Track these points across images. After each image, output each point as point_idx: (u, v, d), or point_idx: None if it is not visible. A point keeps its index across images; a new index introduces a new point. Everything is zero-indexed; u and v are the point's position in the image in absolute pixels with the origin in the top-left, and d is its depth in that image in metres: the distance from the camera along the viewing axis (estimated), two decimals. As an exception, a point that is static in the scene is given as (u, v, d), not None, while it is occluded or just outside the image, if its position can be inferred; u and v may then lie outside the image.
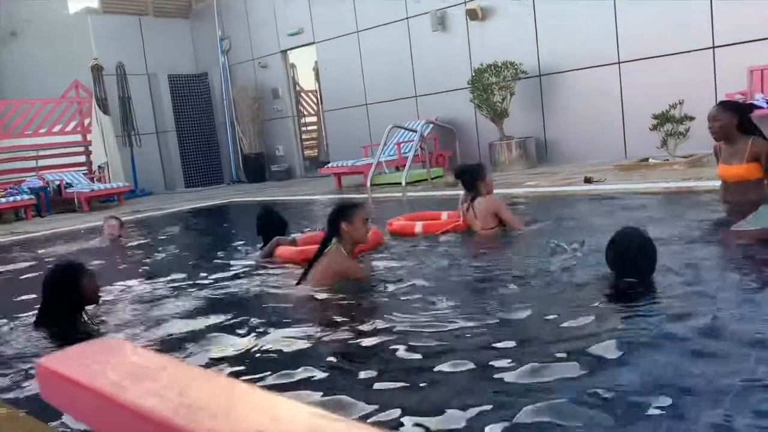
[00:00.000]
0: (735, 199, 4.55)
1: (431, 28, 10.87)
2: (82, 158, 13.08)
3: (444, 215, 5.42)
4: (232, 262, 4.80)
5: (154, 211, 9.75)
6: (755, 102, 7.75)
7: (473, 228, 4.81)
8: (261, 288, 3.91)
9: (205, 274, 4.42)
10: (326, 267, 3.60)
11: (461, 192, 5.02)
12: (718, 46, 8.33)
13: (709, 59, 8.41)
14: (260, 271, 4.36)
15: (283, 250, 4.59)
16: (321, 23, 12.79)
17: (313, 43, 13.09)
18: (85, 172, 12.74)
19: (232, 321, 3.16)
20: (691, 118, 7.48)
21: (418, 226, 5.11)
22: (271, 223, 4.87)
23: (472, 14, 10.28)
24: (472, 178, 4.86)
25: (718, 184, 5.71)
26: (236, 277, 4.29)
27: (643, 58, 8.91)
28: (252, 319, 3.14)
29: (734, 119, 4.46)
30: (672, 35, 8.59)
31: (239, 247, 5.42)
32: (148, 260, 5.58)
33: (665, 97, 7.81)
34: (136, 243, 6.74)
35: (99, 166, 12.66)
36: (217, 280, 4.21)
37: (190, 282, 4.24)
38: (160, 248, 6.25)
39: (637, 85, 9.00)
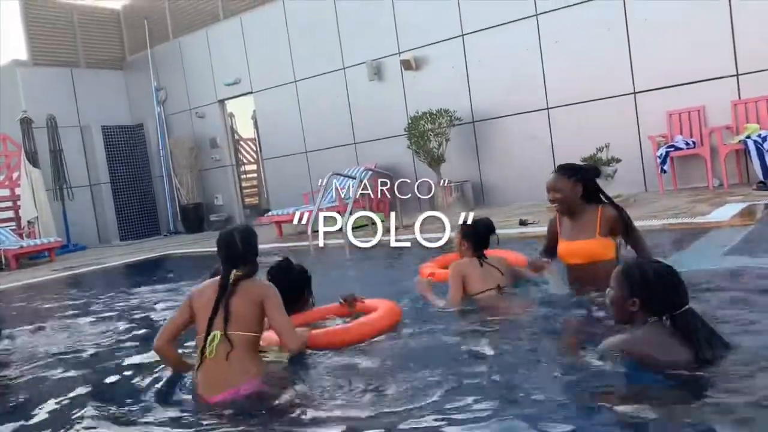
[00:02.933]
0: (582, 286, 3.64)
1: (367, 78, 11.11)
2: (10, 213, 12.59)
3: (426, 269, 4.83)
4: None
5: (89, 267, 9.43)
6: (675, 143, 8.22)
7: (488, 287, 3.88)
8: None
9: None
10: None
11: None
12: (638, 92, 8.82)
13: (631, 104, 8.88)
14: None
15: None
16: (258, 73, 12.89)
17: (251, 92, 13.15)
18: (13, 227, 12.25)
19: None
20: (618, 160, 7.84)
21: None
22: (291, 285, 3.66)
23: (406, 64, 10.58)
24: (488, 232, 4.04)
25: (649, 223, 6.00)
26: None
27: (570, 104, 9.33)
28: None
29: (578, 187, 3.66)
30: (596, 82, 9.05)
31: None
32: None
33: (592, 140, 8.17)
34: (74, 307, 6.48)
35: (29, 221, 12.20)
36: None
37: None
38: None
39: (566, 130, 9.40)
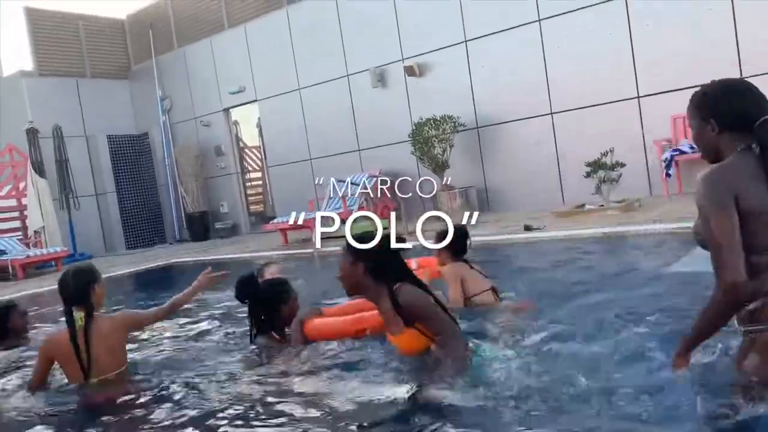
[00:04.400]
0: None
1: (371, 85, 11.14)
2: (17, 223, 12.64)
3: (413, 263, 5.21)
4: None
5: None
6: (680, 147, 8.20)
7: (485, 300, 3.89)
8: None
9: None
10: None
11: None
12: (642, 96, 8.82)
13: (635, 108, 8.88)
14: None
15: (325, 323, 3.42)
16: (263, 81, 12.94)
17: (256, 100, 13.19)
18: (20, 237, 12.30)
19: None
20: (622, 165, 7.83)
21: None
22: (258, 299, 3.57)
23: (409, 71, 10.61)
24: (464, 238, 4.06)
25: (655, 227, 5.99)
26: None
27: (574, 109, 9.33)
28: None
29: (358, 266, 2.86)
30: (599, 87, 9.05)
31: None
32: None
33: (597, 145, 8.17)
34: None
35: (35, 231, 12.24)
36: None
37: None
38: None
39: (570, 135, 9.40)
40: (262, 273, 4.34)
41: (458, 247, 4.03)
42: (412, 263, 4.82)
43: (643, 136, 8.83)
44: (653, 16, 8.55)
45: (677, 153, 8.19)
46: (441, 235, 4.02)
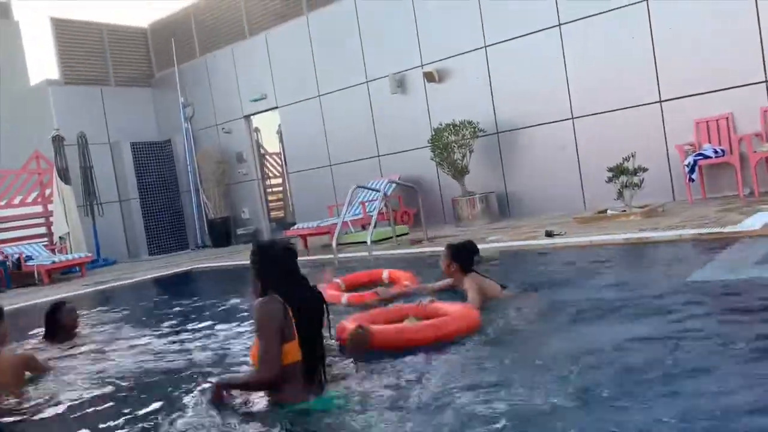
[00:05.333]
0: None
1: (390, 91, 11.16)
2: (43, 230, 12.86)
3: (384, 273, 5.44)
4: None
5: (119, 281, 9.56)
6: (704, 152, 8.09)
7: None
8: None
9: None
10: None
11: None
12: (665, 100, 8.73)
13: (657, 113, 8.78)
14: None
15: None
16: (283, 88, 13.03)
17: (276, 107, 13.29)
18: (46, 243, 12.50)
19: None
20: (645, 170, 7.75)
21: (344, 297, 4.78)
22: None
23: (429, 77, 10.61)
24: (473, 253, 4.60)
25: (678, 233, 5.92)
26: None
27: (596, 113, 9.26)
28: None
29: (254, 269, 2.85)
30: (621, 91, 8.98)
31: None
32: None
33: (618, 150, 8.09)
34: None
35: (60, 237, 12.44)
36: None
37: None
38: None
39: (592, 139, 9.33)
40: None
41: (467, 262, 4.51)
42: (383, 274, 5.23)
43: (666, 141, 8.74)
44: (675, 20, 8.46)
45: (700, 157, 8.09)
46: (450, 248, 4.62)
